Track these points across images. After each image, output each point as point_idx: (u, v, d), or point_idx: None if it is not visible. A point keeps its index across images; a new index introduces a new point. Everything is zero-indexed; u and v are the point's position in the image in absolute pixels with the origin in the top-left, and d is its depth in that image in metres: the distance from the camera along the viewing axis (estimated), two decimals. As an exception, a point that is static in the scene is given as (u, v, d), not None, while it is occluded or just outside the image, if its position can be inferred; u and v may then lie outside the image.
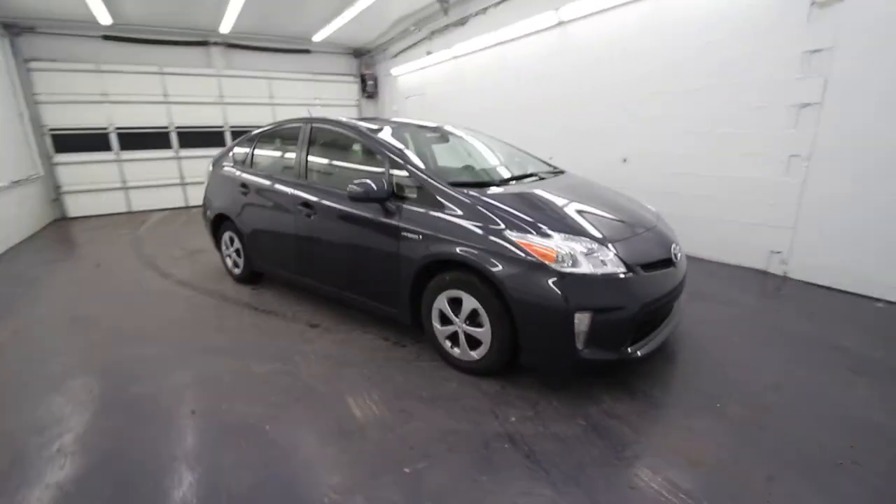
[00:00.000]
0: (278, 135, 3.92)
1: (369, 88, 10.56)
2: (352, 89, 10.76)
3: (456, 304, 2.50)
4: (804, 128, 3.70)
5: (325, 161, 3.41)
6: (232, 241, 4.18)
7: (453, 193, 2.53)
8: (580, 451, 1.95)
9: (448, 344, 2.62)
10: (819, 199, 3.71)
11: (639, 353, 2.26)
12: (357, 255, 2.96)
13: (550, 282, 2.13)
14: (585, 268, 2.15)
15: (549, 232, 2.25)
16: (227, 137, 9.27)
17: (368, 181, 2.67)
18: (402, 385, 2.50)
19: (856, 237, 3.53)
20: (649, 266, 2.32)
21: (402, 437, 2.06)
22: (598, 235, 2.32)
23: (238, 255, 4.15)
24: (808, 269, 3.86)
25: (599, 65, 5.28)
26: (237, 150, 4.18)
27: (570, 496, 1.71)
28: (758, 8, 3.85)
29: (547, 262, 2.15)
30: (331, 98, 10.42)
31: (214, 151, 9.28)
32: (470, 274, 2.39)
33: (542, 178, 3.12)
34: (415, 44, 8.65)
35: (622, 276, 2.19)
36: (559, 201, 2.65)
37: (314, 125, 3.42)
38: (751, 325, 3.16)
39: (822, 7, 3.48)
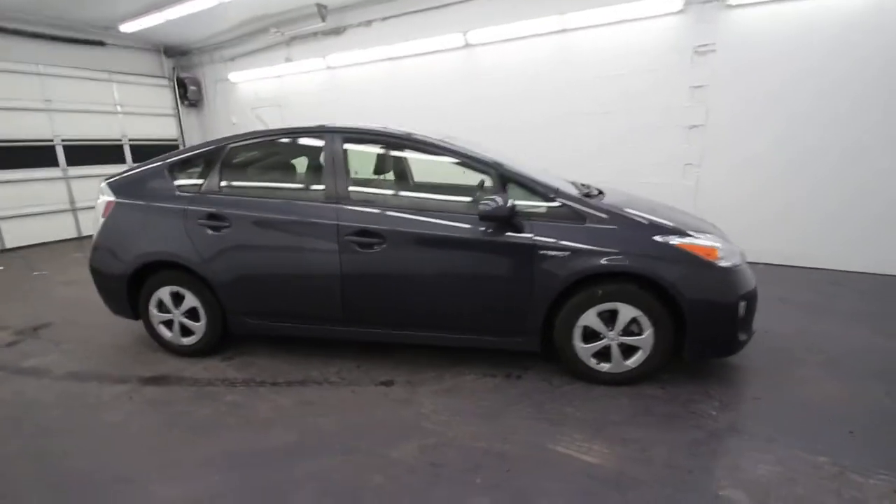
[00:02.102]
0: (268, 150, 2.96)
1: (191, 95, 8.65)
2: (164, 95, 8.63)
3: (603, 317, 2.45)
4: (694, 143, 4.92)
5: (390, 181, 2.79)
6: (178, 299, 2.93)
7: (591, 205, 2.47)
8: (786, 420, 2.21)
9: (594, 361, 2.53)
10: (708, 195, 4.98)
11: (754, 330, 2.67)
12: (466, 285, 2.54)
13: (721, 277, 2.35)
14: (728, 261, 2.44)
15: (695, 233, 2.45)
16: (-26, 157, 6.24)
17: (493, 199, 2.36)
18: (582, 417, 2.30)
19: (735, 219, 4.87)
20: (739, 256, 2.78)
21: (667, 465, 1.93)
22: (720, 233, 2.64)
23: (194, 317, 2.94)
24: (704, 249, 5.13)
25: (510, 86, 5.74)
26: (183, 173, 2.95)
27: (834, 452, 1.94)
28: (654, 51, 4.90)
29: (712, 260, 2.35)
30: (136, 105, 8.14)
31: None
32: (628, 283, 2.39)
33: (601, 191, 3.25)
34: (266, 48, 7.58)
35: (746, 264, 2.57)
36: (659, 206, 2.87)
37: (348, 135, 2.74)
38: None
39: (700, 55, 4.72)
